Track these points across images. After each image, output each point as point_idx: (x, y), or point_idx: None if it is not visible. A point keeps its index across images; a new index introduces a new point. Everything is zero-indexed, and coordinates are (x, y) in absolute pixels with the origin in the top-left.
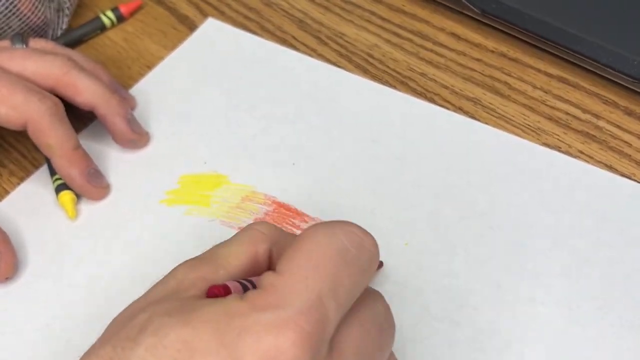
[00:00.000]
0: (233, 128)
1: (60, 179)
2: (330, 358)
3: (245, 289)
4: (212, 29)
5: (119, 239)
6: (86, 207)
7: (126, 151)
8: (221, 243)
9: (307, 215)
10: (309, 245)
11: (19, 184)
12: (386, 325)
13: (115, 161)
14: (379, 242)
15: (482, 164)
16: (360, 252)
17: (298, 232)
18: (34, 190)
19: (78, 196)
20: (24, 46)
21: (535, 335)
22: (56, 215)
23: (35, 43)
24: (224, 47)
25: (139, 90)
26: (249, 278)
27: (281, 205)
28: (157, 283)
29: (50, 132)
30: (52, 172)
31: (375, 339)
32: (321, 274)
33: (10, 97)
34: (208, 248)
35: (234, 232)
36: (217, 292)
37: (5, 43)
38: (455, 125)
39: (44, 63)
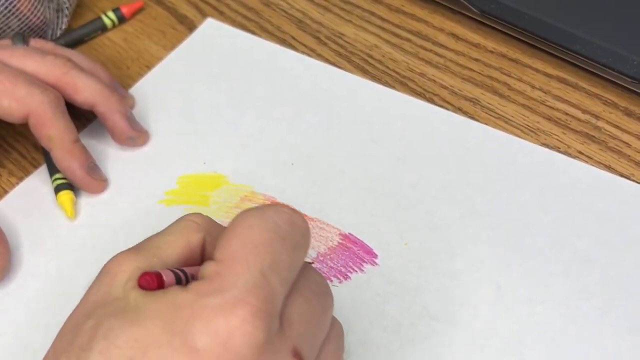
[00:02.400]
0: (232, 128)
1: (59, 178)
2: (282, 330)
3: (178, 278)
4: (211, 29)
5: (118, 239)
6: (85, 207)
7: (125, 151)
8: (155, 234)
9: (306, 215)
10: (243, 229)
11: (18, 184)
12: (323, 290)
13: (115, 161)
14: (378, 242)
15: (481, 164)
16: (293, 229)
17: None
18: (33, 189)
19: (77, 196)
20: (25, 46)
21: (534, 335)
22: (55, 215)
23: (36, 43)
24: (223, 47)
25: (138, 90)
26: (182, 268)
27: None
28: (92, 283)
29: (52, 124)
30: (52, 171)
31: (317, 305)
32: (260, 253)
33: (13, 90)
34: None
35: None
36: (150, 279)
37: (6, 42)
38: (454, 126)
39: (44, 62)
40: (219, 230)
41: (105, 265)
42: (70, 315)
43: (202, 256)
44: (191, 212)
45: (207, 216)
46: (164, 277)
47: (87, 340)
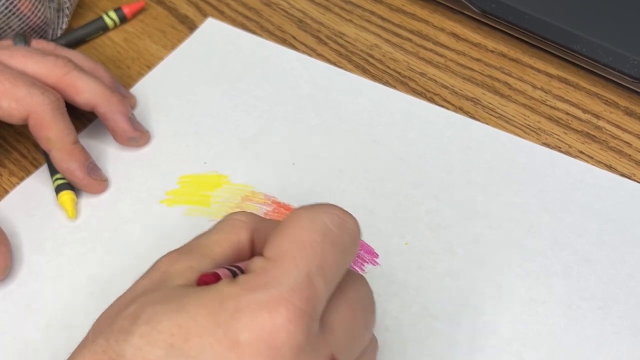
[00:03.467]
0: (233, 128)
1: (60, 178)
2: (322, 335)
3: (234, 275)
4: (211, 28)
5: (119, 239)
6: (86, 207)
7: (126, 151)
8: (202, 234)
9: None
10: (294, 228)
11: (19, 184)
12: (370, 305)
13: (115, 162)
14: (379, 242)
15: (482, 164)
16: (343, 232)
17: None
18: (34, 189)
19: (78, 196)
20: (26, 46)
21: (535, 335)
22: (56, 215)
23: (37, 44)
24: (224, 47)
25: (138, 90)
26: (236, 264)
27: (281, 205)
28: (142, 276)
29: (51, 125)
30: (52, 171)
31: (361, 318)
32: (308, 254)
33: (13, 91)
34: None
35: None
36: (208, 279)
37: (7, 42)
38: (455, 125)
39: (45, 63)
40: (266, 227)
41: (157, 262)
42: (115, 301)
43: (250, 254)
44: (238, 211)
45: (253, 213)
46: (222, 277)
47: (128, 323)
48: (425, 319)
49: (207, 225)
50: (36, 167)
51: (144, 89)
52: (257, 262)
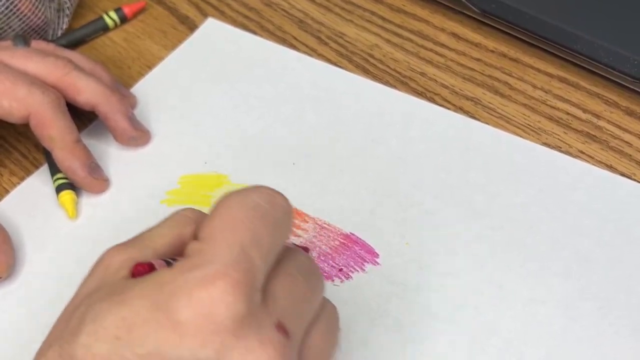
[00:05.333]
0: (233, 128)
1: (60, 178)
2: (265, 305)
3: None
4: (212, 28)
5: (119, 239)
6: (87, 207)
7: (126, 151)
8: (148, 227)
9: (307, 215)
10: (224, 209)
11: (19, 184)
12: (311, 271)
13: (116, 162)
14: (379, 242)
15: (482, 164)
16: (273, 207)
17: (298, 231)
18: (34, 189)
19: (78, 196)
20: (26, 47)
21: (535, 335)
22: (56, 215)
23: (37, 44)
24: (224, 47)
25: (139, 90)
26: (175, 257)
27: None
28: (87, 275)
29: (53, 124)
30: (53, 171)
31: (303, 284)
32: (240, 229)
33: (14, 90)
34: None
35: None
36: (142, 269)
37: (7, 43)
38: (455, 125)
39: (45, 64)
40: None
41: (100, 257)
42: (66, 306)
43: None
44: (186, 207)
45: (200, 210)
46: (156, 267)
47: (76, 325)
48: (426, 318)
49: None
50: (37, 167)
51: (145, 89)
52: (191, 246)
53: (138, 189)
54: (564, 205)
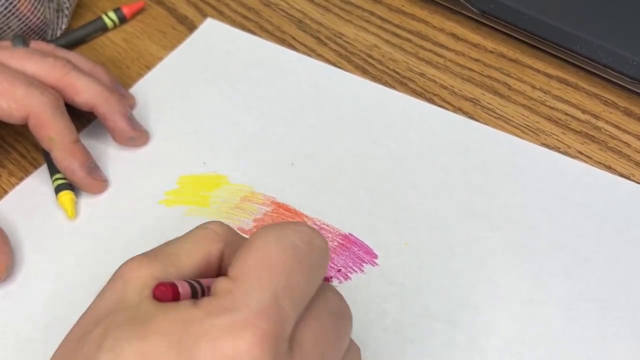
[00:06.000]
0: (232, 128)
1: (60, 178)
2: (291, 355)
3: (194, 290)
4: (211, 29)
5: (118, 240)
6: (86, 207)
7: (125, 151)
8: (173, 239)
9: (306, 216)
10: (260, 246)
11: (18, 184)
12: (341, 312)
13: (115, 162)
14: (378, 242)
15: (481, 164)
16: (311, 249)
17: None
18: (33, 189)
19: (77, 196)
20: (25, 47)
21: (535, 336)
22: (55, 215)
23: (36, 45)
24: (223, 47)
25: (138, 90)
26: (199, 280)
27: (280, 205)
28: (105, 286)
29: (52, 124)
30: (52, 171)
31: (332, 329)
32: (274, 274)
33: (12, 91)
34: None
35: None
36: (165, 290)
37: (6, 44)
38: (454, 126)
39: (43, 64)
40: (238, 242)
41: (119, 269)
42: (79, 320)
43: (219, 267)
44: (212, 220)
45: (228, 226)
46: (180, 289)
47: (93, 350)
48: (425, 319)
49: None
50: (35, 167)
51: (144, 89)
52: (221, 283)
53: (137, 190)
54: (563, 205)
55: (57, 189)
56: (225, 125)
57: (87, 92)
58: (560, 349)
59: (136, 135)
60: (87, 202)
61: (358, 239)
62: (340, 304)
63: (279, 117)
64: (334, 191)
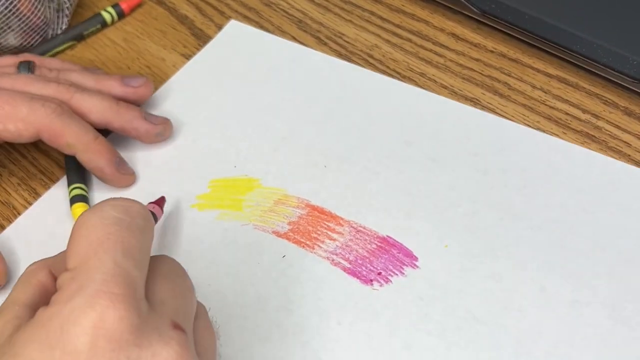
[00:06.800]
0: (261, 130)
1: (76, 188)
2: (155, 309)
3: None
4: (235, 30)
5: (152, 245)
6: None
7: (154, 156)
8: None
9: (342, 218)
10: (85, 231)
11: (19, 184)
12: (181, 273)
13: (145, 167)
14: (417, 244)
15: (518, 164)
16: (132, 216)
17: (334, 235)
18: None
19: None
20: (29, 74)
21: (582, 337)
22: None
23: (42, 62)
24: (249, 49)
25: (163, 95)
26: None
27: (315, 208)
28: None
29: (65, 131)
30: (70, 180)
31: (182, 285)
32: (108, 246)
33: (15, 112)
34: (242, 252)
35: (267, 236)
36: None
37: (11, 69)
38: (488, 125)
39: (47, 91)
40: (62, 257)
41: None
42: None
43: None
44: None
45: (44, 258)
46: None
47: None
48: (469, 322)
49: (240, 229)
50: (35, 167)
51: (170, 93)
52: (63, 277)
53: (168, 194)
54: (603, 205)
55: (72, 200)
56: (254, 128)
57: (95, 111)
58: (609, 350)
59: (160, 129)
60: None
61: (397, 241)
62: (179, 267)
63: (308, 118)
64: (369, 193)
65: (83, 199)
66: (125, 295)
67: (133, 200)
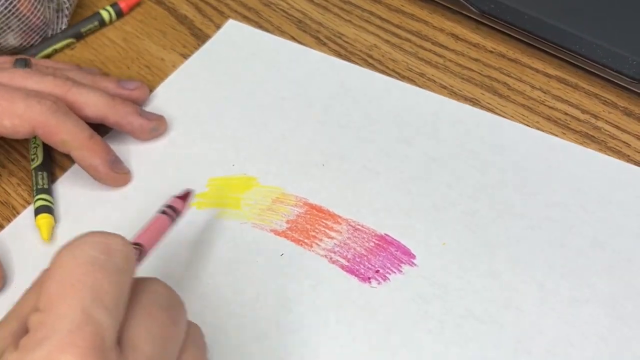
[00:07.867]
0: (259, 129)
1: (40, 199)
2: (124, 357)
3: None
4: (233, 30)
5: None
6: (115, 211)
7: (152, 154)
8: None
9: (340, 217)
10: (58, 270)
11: (18, 184)
12: (171, 303)
13: (143, 165)
14: (415, 242)
15: (517, 163)
16: (111, 255)
17: (332, 233)
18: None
19: (102, 205)
20: (26, 69)
21: (581, 335)
22: (89, 214)
23: (37, 62)
24: (247, 48)
25: (162, 93)
26: None
27: (313, 206)
28: None
29: (59, 128)
30: (36, 191)
31: (165, 320)
32: (78, 290)
33: (12, 108)
34: (241, 251)
35: (266, 234)
36: None
37: (7, 65)
38: (487, 124)
39: (44, 84)
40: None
41: None
42: None
43: None
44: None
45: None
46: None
47: None
48: (469, 320)
49: (238, 228)
50: None
51: (168, 91)
52: (32, 318)
53: (167, 193)
54: (602, 204)
55: (37, 211)
56: (252, 127)
57: (91, 105)
58: (608, 348)
59: (155, 124)
60: (117, 207)
61: (395, 240)
62: (169, 295)
63: (306, 117)
64: (368, 191)
65: (47, 209)
66: (91, 349)
67: (116, 236)
